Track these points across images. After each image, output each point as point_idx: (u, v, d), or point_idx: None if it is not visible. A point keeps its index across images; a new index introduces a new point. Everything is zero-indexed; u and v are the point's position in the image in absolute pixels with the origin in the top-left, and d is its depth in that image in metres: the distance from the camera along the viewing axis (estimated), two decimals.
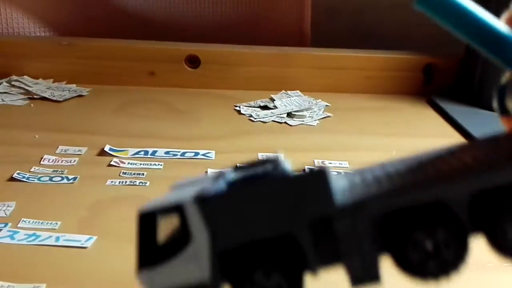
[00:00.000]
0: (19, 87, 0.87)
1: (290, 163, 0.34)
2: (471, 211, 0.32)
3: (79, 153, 0.68)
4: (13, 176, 0.61)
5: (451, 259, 0.32)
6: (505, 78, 0.34)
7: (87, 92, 0.89)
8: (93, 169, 0.64)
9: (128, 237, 0.51)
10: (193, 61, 0.94)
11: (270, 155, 0.36)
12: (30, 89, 0.86)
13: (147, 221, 0.33)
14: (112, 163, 0.65)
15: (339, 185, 0.34)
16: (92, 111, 0.82)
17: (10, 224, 0.52)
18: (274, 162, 0.35)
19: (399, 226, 0.32)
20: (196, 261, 0.32)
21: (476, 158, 0.33)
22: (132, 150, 0.68)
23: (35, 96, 0.85)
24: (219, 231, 0.32)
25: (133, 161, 0.66)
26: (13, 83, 0.88)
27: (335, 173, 0.35)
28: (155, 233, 0.33)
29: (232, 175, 0.34)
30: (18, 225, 0.52)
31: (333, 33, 1.09)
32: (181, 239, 0.32)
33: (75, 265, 0.48)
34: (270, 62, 0.95)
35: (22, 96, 0.85)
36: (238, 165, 0.36)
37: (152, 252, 0.33)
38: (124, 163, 0.65)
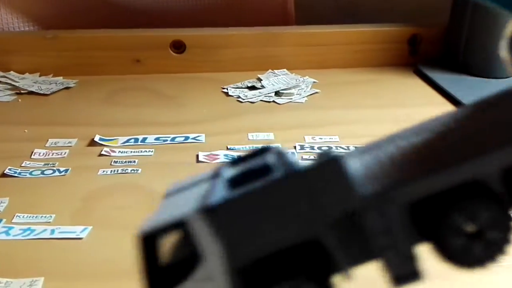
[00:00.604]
0: (6, 83, 0.86)
1: (295, 155, 0.31)
2: (506, 185, 0.29)
3: (69, 145, 0.68)
4: (5, 172, 0.61)
5: (496, 239, 0.28)
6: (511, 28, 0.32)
7: (74, 84, 0.88)
8: (84, 160, 0.64)
9: (122, 226, 0.52)
10: (178, 47, 0.94)
11: (264, 145, 0.33)
12: (17, 84, 0.86)
13: (149, 243, 0.29)
14: (103, 152, 0.65)
15: (354, 171, 0.30)
16: (80, 103, 0.82)
17: (4, 220, 0.52)
18: (275, 153, 0.31)
19: (434, 211, 0.28)
20: (211, 282, 0.28)
21: (495, 121, 0.30)
22: (122, 139, 0.69)
23: (22, 91, 0.85)
24: (232, 245, 0.28)
25: (123, 150, 0.66)
26: None
27: (342, 152, 0.32)
28: (158, 254, 0.29)
29: (229, 172, 0.31)
30: (13, 221, 0.52)
31: (317, 10, 1.09)
32: (190, 258, 0.29)
33: (71, 256, 0.48)
34: (255, 43, 0.95)
35: (10, 92, 0.84)
36: (233, 159, 0.33)
37: (160, 277, 0.29)
38: (114, 152, 0.66)
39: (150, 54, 0.93)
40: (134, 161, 0.63)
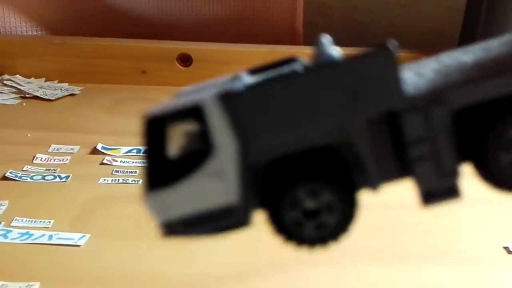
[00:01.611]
0: (11, 86, 0.87)
1: (337, 49, 0.27)
2: None
3: (71, 151, 0.68)
4: (6, 175, 0.61)
5: None
6: None
7: (79, 91, 0.88)
8: (86, 168, 0.64)
9: (121, 235, 0.52)
10: (185, 60, 0.94)
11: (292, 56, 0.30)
12: (22, 88, 0.86)
13: (156, 129, 0.26)
14: (104, 161, 0.65)
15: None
16: (84, 110, 0.82)
17: (3, 223, 0.52)
18: (319, 42, 0.27)
19: (483, 121, 0.25)
20: (220, 178, 0.25)
21: None
22: (125, 149, 0.68)
23: (27, 95, 0.85)
24: (250, 138, 0.25)
25: (125, 159, 0.66)
26: (5, 82, 0.88)
27: None
28: (164, 144, 0.26)
29: (249, 78, 0.27)
30: (11, 224, 0.52)
31: (326, 31, 1.09)
32: (199, 151, 0.25)
33: (68, 263, 0.48)
34: (262, 60, 0.94)
35: (14, 95, 0.85)
36: (253, 68, 0.29)
37: (162, 169, 0.26)
38: (116, 161, 0.65)
39: (157, 66, 0.93)
40: (135, 172, 0.63)
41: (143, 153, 0.26)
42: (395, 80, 0.25)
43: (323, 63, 0.26)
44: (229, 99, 0.25)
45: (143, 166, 0.26)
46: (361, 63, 0.25)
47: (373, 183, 0.26)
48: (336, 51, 0.27)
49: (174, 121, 0.26)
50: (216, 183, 0.25)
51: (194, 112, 0.25)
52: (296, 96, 0.25)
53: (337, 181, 0.26)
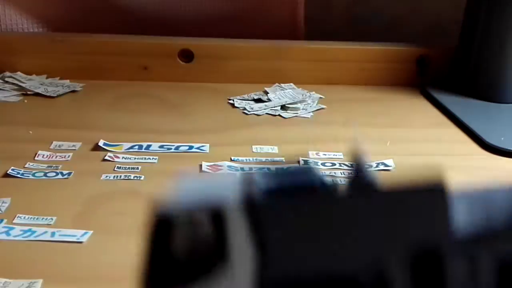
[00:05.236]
0: (13, 83, 0.86)
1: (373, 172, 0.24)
2: None
3: (73, 148, 0.68)
4: (8, 172, 0.60)
5: None
6: None
7: (80, 87, 0.88)
8: (88, 164, 0.64)
9: (123, 231, 0.51)
10: (186, 55, 0.94)
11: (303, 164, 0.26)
12: (23, 85, 0.86)
13: (165, 227, 0.23)
14: (106, 157, 0.65)
15: None
16: (86, 107, 0.82)
17: (5, 220, 0.52)
18: (358, 163, 0.24)
19: None
20: None
21: None
22: (127, 145, 0.68)
23: (28, 92, 0.85)
24: (273, 251, 0.22)
25: (127, 156, 0.66)
26: (6, 79, 0.87)
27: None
28: (170, 245, 0.23)
29: (264, 182, 0.24)
30: (14, 221, 0.52)
31: (327, 25, 1.09)
32: (212, 252, 0.23)
33: (71, 260, 0.48)
34: (263, 55, 0.95)
35: (16, 92, 0.85)
36: (266, 169, 0.25)
37: (169, 270, 0.23)
38: (118, 157, 0.65)
39: (158, 62, 0.93)
40: (137, 168, 0.63)
41: (147, 252, 0.24)
42: (446, 220, 0.23)
43: (363, 186, 0.23)
44: (256, 206, 0.22)
45: (146, 266, 0.24)
46: (411, 196, 0.23)
47: None
48: (372, 176, 0.23)
49: (186, 223, 0.23)
50: None
51: (212, 216, 0.22)
52: (330, 221, 0.23)
53: None
